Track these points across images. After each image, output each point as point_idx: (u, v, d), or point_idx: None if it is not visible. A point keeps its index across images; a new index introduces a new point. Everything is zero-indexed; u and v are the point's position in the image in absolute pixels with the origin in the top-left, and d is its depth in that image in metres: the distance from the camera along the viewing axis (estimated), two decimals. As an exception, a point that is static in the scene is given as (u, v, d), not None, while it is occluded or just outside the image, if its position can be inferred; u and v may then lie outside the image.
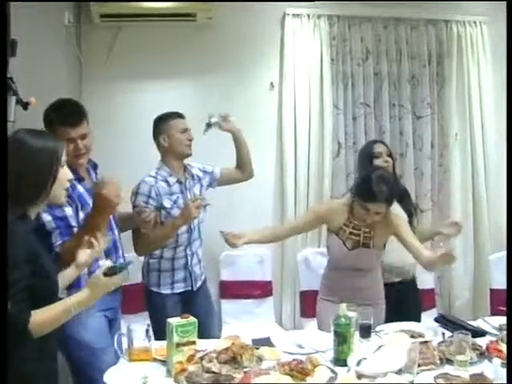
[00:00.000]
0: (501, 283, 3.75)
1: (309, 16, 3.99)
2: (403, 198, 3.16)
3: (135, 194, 2.86)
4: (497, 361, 2.07)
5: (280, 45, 4.04)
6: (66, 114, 2.39)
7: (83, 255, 2.08)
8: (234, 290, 3.98)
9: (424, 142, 4.17)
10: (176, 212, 2.85)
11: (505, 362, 2.06)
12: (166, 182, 2.92)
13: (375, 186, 2.64)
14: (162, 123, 2.99)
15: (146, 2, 3.66)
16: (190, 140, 2.99)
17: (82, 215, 2.35)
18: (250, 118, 3.98)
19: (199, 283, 3.06)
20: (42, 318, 1.66)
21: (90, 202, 2.34)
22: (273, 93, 4.07)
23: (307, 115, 4.01)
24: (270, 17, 4.02)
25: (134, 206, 2.84)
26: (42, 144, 1.78)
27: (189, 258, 2.98)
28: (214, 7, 3.70)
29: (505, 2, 3.88)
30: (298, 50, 4.00)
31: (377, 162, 3.10)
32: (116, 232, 2.59)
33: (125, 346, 2.29)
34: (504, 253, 3.88)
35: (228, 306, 3.96)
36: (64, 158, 1.84)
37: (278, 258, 4.06)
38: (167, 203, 2.89)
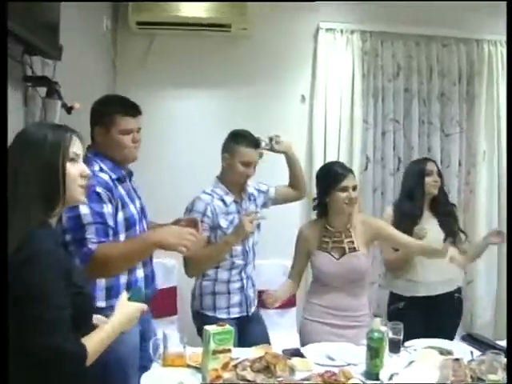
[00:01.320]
0: (525, 303, 3.75)
1: (342, 31, 4.06)
2: (448, 215, 3.24)
3: (189, 210, 2.75)
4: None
5: (312, 58, 4.12)
6: (127, 106, 2.33)
7: None
8: (258, 299, 4.00)
9: (452, 159, 4.22)
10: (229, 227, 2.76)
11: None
12: (222, 200, 2.82)
13: (334, 165, 2.92)
14: (233, 142, 2.84)
15: (182, 13, 3.74)
16: (248, 176, 2.86)
17: (121, 216, 2.24)
18: (280, 130, 3.96)
19: (253, 308, 2.98)
20: (93, 348, 1.53)
21: (131, 204, 2.31)
22: (304, 105, 4.14)
23: (337, 129, 4.07)
24: (304, 30, 4.10)
25: None
26: (42, 135, 1.56)
27: (244, 281, 2.90)
28: (250, 18, 3.78)
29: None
30: (330, 63, 4.07)
31: (428, 179, 3.18)
32: (149, 267, 2.45)
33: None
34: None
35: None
36: (76, 151, 1.61)
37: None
38: (223, 223, 2.78)
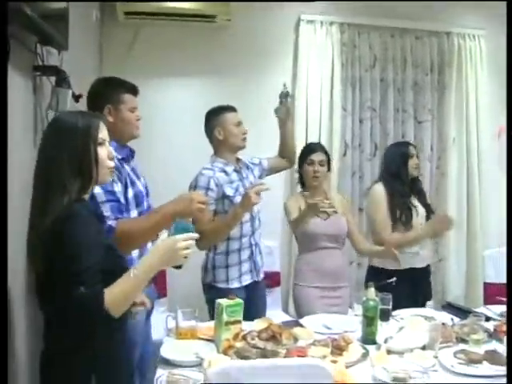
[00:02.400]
0: (493, 278, 4.06)
1: (322, 23, 4.24)
2: (421, 192, 3.51)
3: (194, 187, 2.85)
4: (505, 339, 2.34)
5: (294, 49, 4.29)
6: (129, 85, 2.47)
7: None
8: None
9: (424, 145, 4.46)
10: (239, 199, 2.80)
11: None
12: (224, 171, 2.93)
13: (310, 143, 3.56)
14: (215, 116, 3.01)
15: (168, 2, 3.85)
16: (245, 133, 3.03)
17: (130, 193, 2.36)
18: (262, 118, 4.20)
19: (262, 275, 3.10)
20: (114, 294, 1.59)
21: (137, 181, 2.45)
22: (286, 93, 4.29)
23: (318, 116, 4.25)
24: (286, 22, 4.26)
25: None
26: (74, 123, 1.70)
27: (253, 247, 3.01)
28: (233, 10, 3.91)
29: (501, 18, 4.21)
30: (310, 54, 4.24)
31: (411, 162, 3.41)
32: None
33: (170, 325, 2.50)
34: (496, 249, 4.21)
35: (238, 295, 4.16)
36: (103, 135, 1.76)
37: (286, 249, 4.29)
38: (229, 191, 2.89)
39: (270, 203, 4.16)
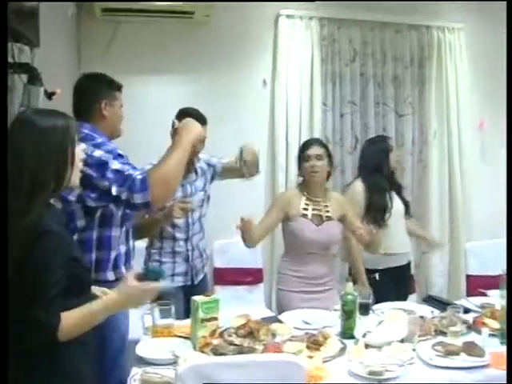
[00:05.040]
0: (475, 270, 4.07)
1: (301, 17, 4.21)
2: (400, 191, 3.50)
3: None
4: (485, 331, 2.34)
5: (273, 44, 4.25)
6: (118, 82, 2.49)
7: None
8: (227, 276, 4.17)
9: (405, 138, 4.46)
10: (171, 203, 2.79)
11: (492, 332, 2.36)
12: None
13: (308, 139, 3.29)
14: (180, 119, 2.80)
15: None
16: (197, 152, 2.93)
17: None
18: (243, 114, 4.20)
19: (201, 276, 3.09)
20: (69, 322, 1.57)
21: None
22: (265, 90, 4.28)
23: (298, 111, 4.22)
24: (265, 17, 4.22)
25: None
26: (50, 122, 1.64)
27: (189, 252, 3.00)
28: (212, 6, 3.88)
29: (480, 11, 4.24)
30: (290, 49, 4.21)
31: (391, 155, 3.42)
32: (131, 243, 2.50)
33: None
34: (478, 242, 4.24)
35: (221, 292, 4.13)
36: (77, 136, 1.73)
37: (269, 246, 4.27)
38: None
39: (252, 200, 4.22)
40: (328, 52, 4.28)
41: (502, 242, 4.11)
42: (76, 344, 1.62)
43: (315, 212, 2.96)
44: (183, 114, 2.88)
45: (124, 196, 2.09)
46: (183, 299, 2.82)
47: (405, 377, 2.03)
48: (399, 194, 3.47)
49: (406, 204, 3.49)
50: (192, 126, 2.32)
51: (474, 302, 2.95)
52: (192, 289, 2.96)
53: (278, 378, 1.66)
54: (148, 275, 1.78)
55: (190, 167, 2.96)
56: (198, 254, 3.06)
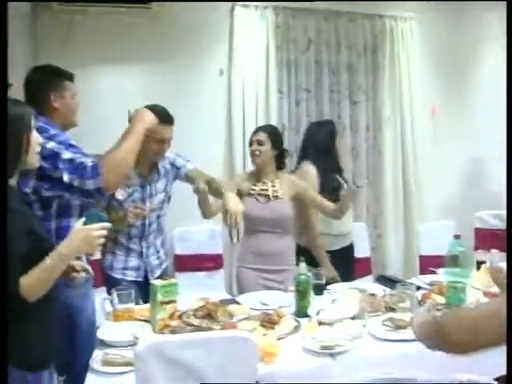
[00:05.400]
0: (427, 250, 4.23)
1: (256, 7, 4.27)
2: (341, 173, 3.54)
3: None
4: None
5: (229, 33, 4.29)
6: (69, 73, 2.49)
7: None
8: (188, 263, 4.23)
9: (360, 125, 4.58)
10: (129, 205, 2.83)
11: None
12: None
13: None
14: None
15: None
16: (162, 153, 2.90)
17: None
18: (201, 101, 4.25)
19: (158, 273, 3.04)
20: (29, 282, 1.67)
21: None
22: (222, 78, 4.33)
23: (254, 99, 4.29)
24: (221, 6, 4.26)
25: None
26: (9, 111, 1.73)
27: (144, 249, 2.98)
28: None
29: (429, 2, 4.37)
30: (245, 38, 4.27)
31: (338, 139, 3.51)
32: None
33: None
34: (430, 223, 4.39)
35: (182, 279, 4.17)
36: (33, 123, 1.82)
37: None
38: (119, 194, 2.83)
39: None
40: (283, 40, 4.35)
41: (452, 223, 4.32)
42: (40, 309, 1.73)
43: (262, 192, 3.14)
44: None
45: (76, 183, 2.12)
46: (139, 295, 2.75)
47: (355, 350, 2.13)
48: (341, 177, 3.57)
49: (345, 180, 3.60)
50: (145, 115, 2.36)
51: (424, 279, 3.08)
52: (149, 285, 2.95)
53: (233, 354, 1.74)
54: (91, 218, 1.82)
55: (152, 167, 2.95)
56: (153, 251, 3.04)
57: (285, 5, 4.33)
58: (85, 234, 1.77)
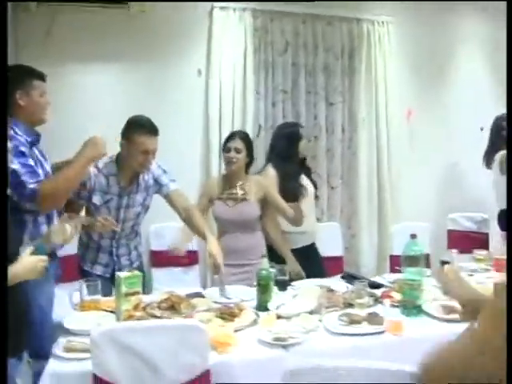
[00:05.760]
0: (399, 250, 4.30)
1: (234, 9, 4.35)
2: (310, 174, 3.72)
3: None
4: (387, 302, 2.58)
5: (208, 34, 4.38)
6: (38, 72, 2.63)
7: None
8: (163, 258, 4.28)
9: (335, 126, 4.67)
10: (103, 211, 2.88)
11: (393, 303, 2.59)
12: (107, 178, 2.90)
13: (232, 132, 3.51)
14: (130, 130, 2.85)
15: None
16: (147, 164, 2.89)
17: (41, 173, 2.49)
18: (178, 101, 4.34)
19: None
20: None
21: (45, 163, 2.62)
22: (200, 78, 4.42)
23: (231, 99, 4.38)
24: (200, 9, 4.35)
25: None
26: None
27: (114, 249, 3.03)
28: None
29: (408, 6, 4.46)
30: (224, 39, 4.35)
31: (301, 143, 3.56)
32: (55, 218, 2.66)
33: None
34: (404, 224, 4.46)
35: (158, 274, 4.28)
36: None
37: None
38: (96, 199, 2.89)
39: (188, 184, 4.35)
40: (261, 42, 4.44)
41: (426, 225, 4.41)
42: None
43: (231, 196, 3.28)
44: (133, 123, 2.87)
45: (14, 197, 2.36)
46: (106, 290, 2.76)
47: (308, 342, 2.22)
48: (309, 176, 3.67)
49: (316, 186, 3.70)
50: (93, 146, 2.56)
51: (389, 278, 3.17)
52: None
53: (184, 342, 1.83)
54: (36, 250, 2.04)
55: (133, 179, 2.95)
56: (125, 251, 3.08)
57: (263, 8, 4.42)
58: (34, 262, 1.97)
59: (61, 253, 3.06)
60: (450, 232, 4.70)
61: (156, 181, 3.02)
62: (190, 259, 4.37)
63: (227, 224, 3.31)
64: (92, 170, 2.83)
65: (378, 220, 4.84)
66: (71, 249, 3.10)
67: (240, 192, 3.27)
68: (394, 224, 4.65)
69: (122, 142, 2.86)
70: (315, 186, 3.71)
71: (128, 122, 2.88)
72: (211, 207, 3.36)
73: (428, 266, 3.87)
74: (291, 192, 3.45)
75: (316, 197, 3.68)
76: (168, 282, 4.24)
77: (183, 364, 1.84)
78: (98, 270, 3.04)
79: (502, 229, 4.07)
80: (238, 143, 3.28)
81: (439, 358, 1.21)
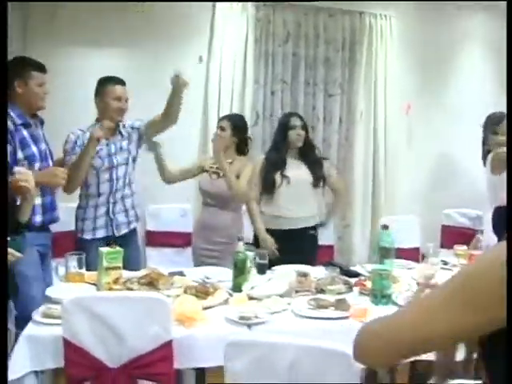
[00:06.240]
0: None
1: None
2: (314, 162, 3.69)
3: (64, 142, 3.20)
4: (356, 289, 2.69)
5: (210, 23, 4.48)
6: (38, 64, 2.93)
7: None
8: (158, 239, 4.45)
9: (333, 117, 4.75)
10: (97, 161, 3.17)
11: (363, 291, 2.70)
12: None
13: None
14: (100, 86, 3.25)
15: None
16: (123, 109, 3.26)
17: (20, 155, 2.79)
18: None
19: (124, 231, 3.31)
20: None
21: (32, 145, 2.85)
22: (201, 66, 4.51)
23: (230, 87, 4.49)
24: (204, -1, 4.45)
25: (64, 153, 3.20)
26: None
27: (110, 205, 3.24)
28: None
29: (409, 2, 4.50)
30: (226, 29, 4.45)
31: (291, 132, 3.59)
32: (48, 197, 2.96)
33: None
34: (396, 217, 4.53)
35: (152, 253, 4.42)
36: None
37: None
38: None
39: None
40: (262, 33, 4.53)
41: (418, 218, 4.50)
42: None
43: (215, 170, 3.50)
44: (101, 80, 3.29)
45: None
46: None
47: (273, 323, 2.34)
48: (310, 167, 3.68)
49: (316, 175, 3.69)
50: (49, 175, 2.77)
51: (367, 267, 3.28)
52: (114, 241, 3.12)
53: (148, 313, 1.97)
54: (11, 245, 2.07)
55: (115, 130, 3.29)
56: (121, 208, 3.30)
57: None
58: None
59: (58, 228, 3.28)
60: (444, 227, 4.77)
61: (132, 127, 3.37)
62: (183, 241, 4.49)
63: (206, 196, 3.54)
64: (76, 131, 3.21)
65: (372, 212, 4.92)
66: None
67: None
68: (387, 216, 4.73)
69: (97, 100, 3.25)
70: (316, 177, 3.65)
71: (97, 81, 3.29)
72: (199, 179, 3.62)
73: (417, 259, 4.01)
74: (269, 180, 3.56)
75: (315, 185, 3.67)
76: (161, 261, 4.33)
77: (147, 334, 1.98)
78: (100, 233, 3.23)
79: (494, 227, 4.05)
80: (223, 123, 3.56)
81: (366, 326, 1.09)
